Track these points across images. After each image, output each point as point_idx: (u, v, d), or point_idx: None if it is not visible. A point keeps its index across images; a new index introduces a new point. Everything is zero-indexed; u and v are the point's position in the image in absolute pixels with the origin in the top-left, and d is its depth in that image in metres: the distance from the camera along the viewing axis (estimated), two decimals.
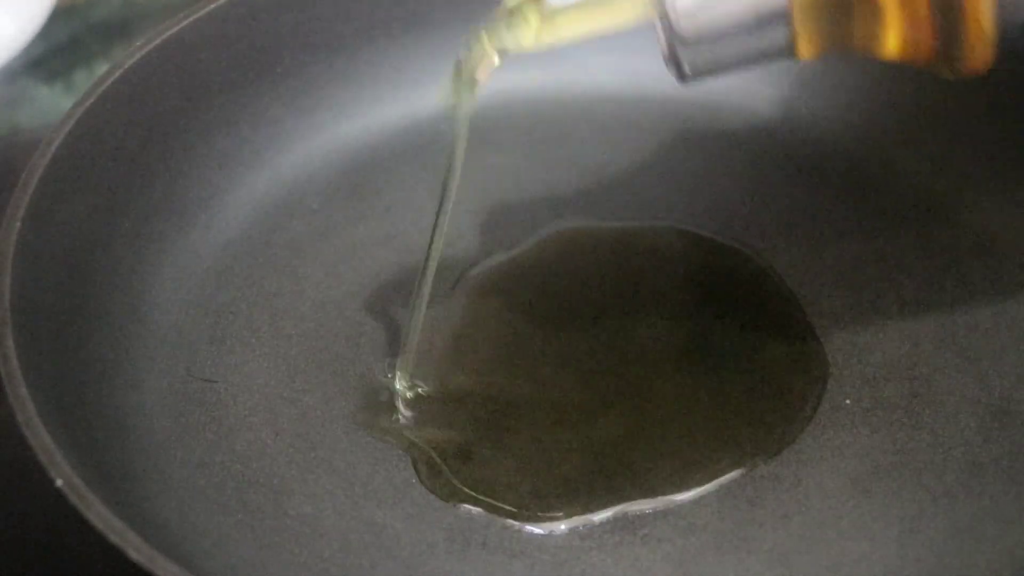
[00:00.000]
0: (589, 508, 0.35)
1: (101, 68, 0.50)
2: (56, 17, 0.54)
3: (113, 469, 0.33)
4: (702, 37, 0.31)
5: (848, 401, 0.37)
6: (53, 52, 0.55)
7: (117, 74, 0.40)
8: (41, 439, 0.30)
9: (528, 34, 0.33)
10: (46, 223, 0.36)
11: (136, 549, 0.28)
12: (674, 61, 0.32)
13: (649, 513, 0.35)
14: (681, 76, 0.32)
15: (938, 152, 0.43)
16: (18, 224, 0.35)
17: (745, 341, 0.39)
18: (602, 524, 0.35)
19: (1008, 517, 0.34)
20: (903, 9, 0.30)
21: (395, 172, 0.45)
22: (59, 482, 0.29)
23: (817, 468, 0.36)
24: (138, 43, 0.41)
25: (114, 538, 0.28)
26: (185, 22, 0.42)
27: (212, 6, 0.42)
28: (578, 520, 0.35)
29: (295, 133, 0.45)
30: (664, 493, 0.35)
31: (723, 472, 0.35)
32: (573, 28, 0.33)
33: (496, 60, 0.34)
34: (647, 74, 0.47)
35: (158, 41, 0.41)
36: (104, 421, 0.35)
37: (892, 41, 0.31)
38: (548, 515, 0.35)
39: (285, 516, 0.35)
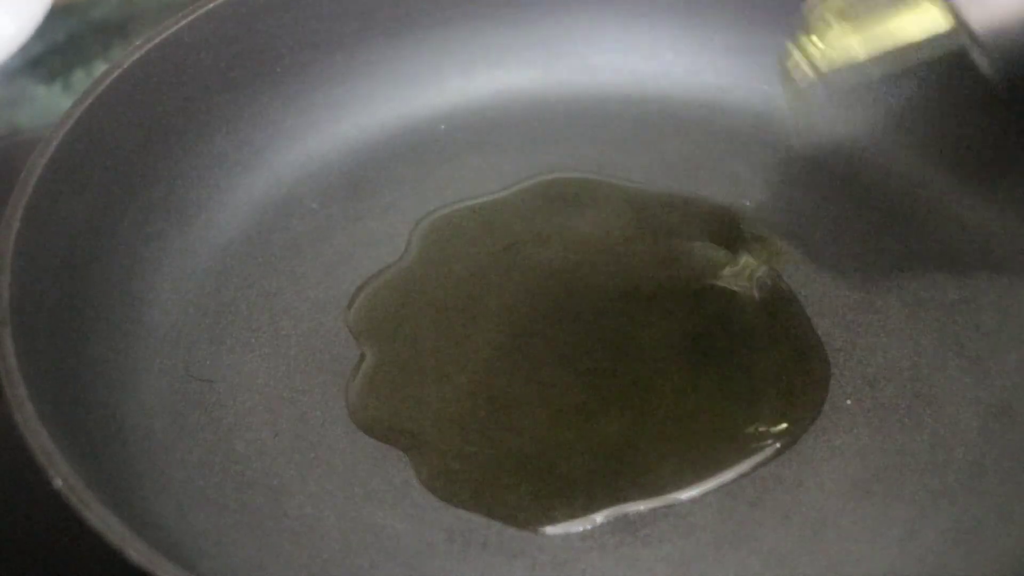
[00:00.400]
0: (589, 508, 0.35)
1: (100, 68, 0.50)
2: (54, 16, 0.54)
3: (112, 469, 0.33)
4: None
5: (849, 402, 0.37)
6: (52, 51, 0.55)
7: (116, 74, 0.40)
8: (40, 439, 0.30)
9: (831, 38, 0.34)
10: (45, 223, 0.36)
11: (136, 550, 0.28)
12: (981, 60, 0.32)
13: (649, 513, 0.35)
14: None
15: (938, 152, 0.43)
16: (17, 224, 0.35)
17: (745, 341, 0.39)
18: (602, 524, 0.34)
19: (1008, 517, 0.34)
20: None
21: (394, 172, 0.45)
22: (58, 482, 0.29)
23: (818, 468, 0.36)
24: (137, 43, 0.41)
25: (113, 539, 0.28)
26: (185, 22, 0.42)
27: (212, 6, 0.42)
28: (578, 520, 0.35)
29: (295, 133, 0.45)
30: (664, 493, 0.35)
31: (723, 472, 0.35)
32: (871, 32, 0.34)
33: (811, 69, 0.35)
34: (647, 74, 0.47)
35: (157, 41, 0.41)
36: (104, 421, 0.35)
37: None
38: (548, 515, 0.35)
39: (285, 516, 0.35)
